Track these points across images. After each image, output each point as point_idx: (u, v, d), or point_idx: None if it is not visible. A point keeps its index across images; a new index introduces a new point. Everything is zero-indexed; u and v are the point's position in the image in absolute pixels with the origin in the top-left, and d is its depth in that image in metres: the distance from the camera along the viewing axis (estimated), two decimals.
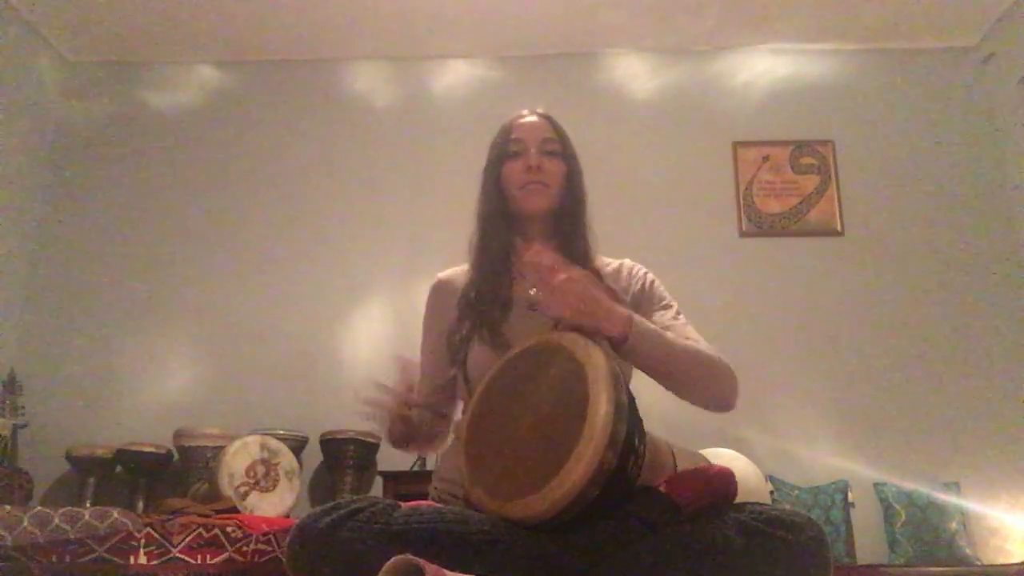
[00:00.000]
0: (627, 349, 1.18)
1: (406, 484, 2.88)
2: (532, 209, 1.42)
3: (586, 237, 1.44)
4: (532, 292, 1.41)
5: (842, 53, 3.73)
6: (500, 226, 1.44)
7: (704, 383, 1.28)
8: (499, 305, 1.36)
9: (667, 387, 1.27)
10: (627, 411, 1.01)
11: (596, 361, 1.05)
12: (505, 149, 1.44)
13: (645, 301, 1.42)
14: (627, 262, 1.49)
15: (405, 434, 1.33)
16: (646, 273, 1.47)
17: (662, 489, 1.08)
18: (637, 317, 1.20)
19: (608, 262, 1.48)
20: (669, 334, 1.27)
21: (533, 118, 1.47)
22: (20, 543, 1.99)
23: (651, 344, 1.20)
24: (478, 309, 1.37)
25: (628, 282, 1.45)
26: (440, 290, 1.49)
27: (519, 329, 1.31)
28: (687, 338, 1.32)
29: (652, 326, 1.23)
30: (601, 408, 0.99)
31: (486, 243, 1.44)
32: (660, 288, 1.45)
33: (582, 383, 1.03)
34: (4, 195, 3.37)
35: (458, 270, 1.50)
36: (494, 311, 1.35)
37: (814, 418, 3.20)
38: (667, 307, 1.41)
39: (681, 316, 1.39)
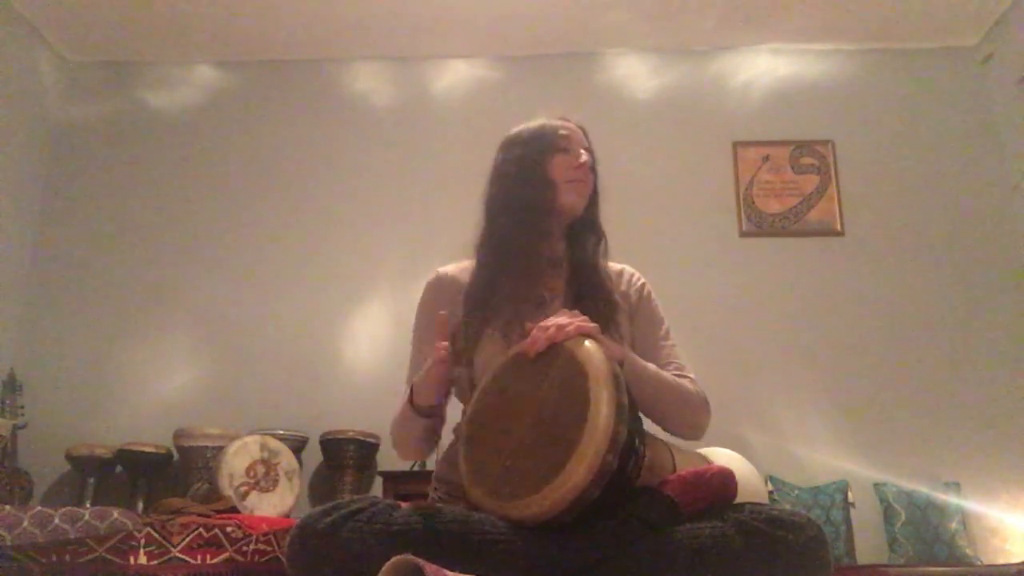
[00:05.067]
0: None
1: (406, 484, 2.87)
2: (572, 204, 1.42)
3: (599, 243, 1.46)
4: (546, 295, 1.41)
5: (842, 53, 3.73)
6: (532, 219, 1.40)
7: (680, 417, 1.33)
8: (521, 302, 1.33)
9: (646, 414, 1.26)
10: (628, 412, 1.01)
11: (597, 362, 1.04)
12: (554, 143, 1.43)
13: (640, 311, 1.44)
14: (627, 268, 1.52)
15: (428, 407, 1.29)
16: (644, 284, 1.49)
17: (662, 489, 1.08)
18: (630, 351, 1.24)
19: (610, 265, 1.50)
20: (653, 367, 1.30)
21: (575, 125, 1.50)
22: (20, 543, 1.99)
23: (640, 375, 1.24)
24: (496, 306, 1.33)
25: (627, 287, 1.47)
26: (441, 284, 1.46)
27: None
28: (672, 362, 1.38)
29: (641, 361, 1.27)
30: (603, 410, 0.99)
31: (510, 236, 1.39)
32: (655, 303, 1.47)
33: (583, 384, 1.03)
34: (4, 195, 3.37)
35: (460, 266, 1.48)
36: (516, 308, 1.32)
37: (814, 418, 3.20)
38: (659, 325, 1.44)
39: (671, 337, 1.43)
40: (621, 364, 1.16)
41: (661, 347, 1.39)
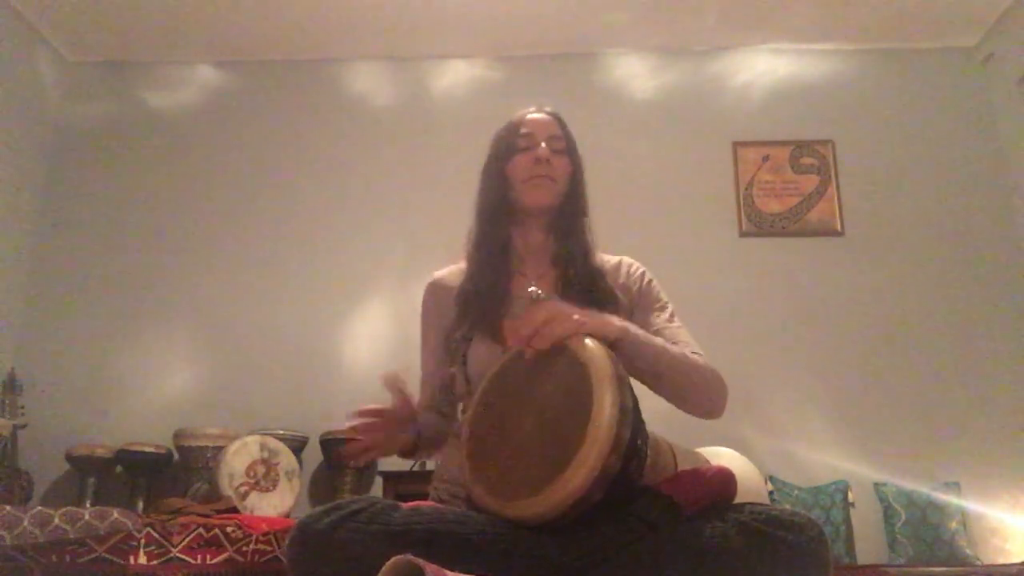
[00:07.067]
0: (619, 352, 1.18)
1: (406, 484, 2.87)
2: (536, 203, 1.41)
3: (586, 236, 1.44)
4: (531, 290, 1.41)
5: (842, 53, 3.73)
6: (500, 219, 1.43)
7: (693, 390, 1.28)
8: (498, 299, 1.36)
9: (657, 392, 1.27)
10: (631, 414, 1.01)
11: (600, 362, 1.04)
12: (514, 142, 1.44)
13: (642, 300, 1.42)
14: (626, 259, 1.50)
15: (410, 448, 1.30)
16: (644, 272, 1.47)
17: (662, 489, 1.08)
18: (631, 325, 1.20)
19: (607, 259, 1.49)
20: (659, 339, 1.27)
21: (543, 115, 1.47)
22: (20, 543, 1.99)
23: (643, 348, 1.20)
24: (477, 305, 1.36)
25: (627, 279, 1.45)
26: (435, 289, 1.48)
27: None
28: (680, 342, 1.33)
29: (645, 333, 1.24)
30: (605, 411, 0.98)
31: (485, 237, 1.43)
32: (657, 288, 1.45)
33: (586, 384, 1.02)
34: (4, 195, 3.37)
35: (453, 269, 1.49)
36: (494, 306, 1.35)
37: (814, 418, 3.20)
38: (663, 308, 1.41)
39: (676, 319, 1.40)
40: (622, 338, 1.15)
41: (666, 328, 1.36)
